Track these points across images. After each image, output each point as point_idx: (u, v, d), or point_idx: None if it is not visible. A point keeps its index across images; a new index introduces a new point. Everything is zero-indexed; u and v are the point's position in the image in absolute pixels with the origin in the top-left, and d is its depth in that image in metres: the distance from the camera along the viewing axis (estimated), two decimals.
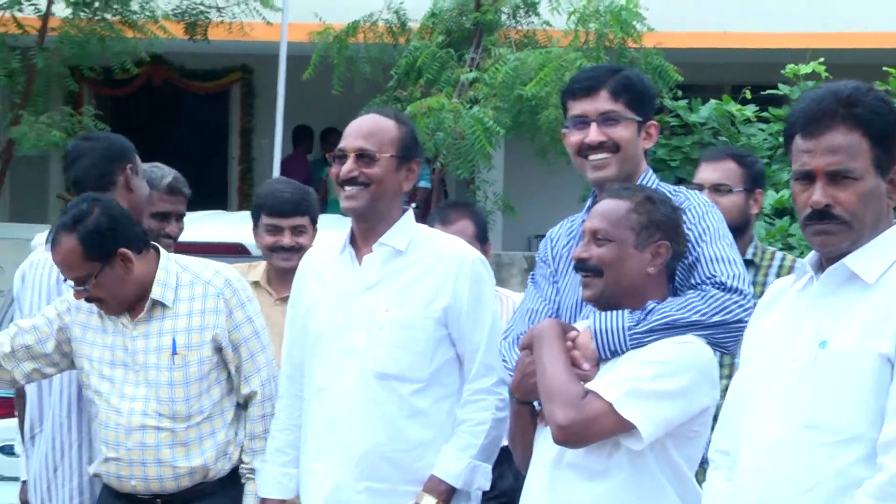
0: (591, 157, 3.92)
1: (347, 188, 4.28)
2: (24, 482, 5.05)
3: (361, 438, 4.25)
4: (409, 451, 4.26)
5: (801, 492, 3.02)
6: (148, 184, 5.32)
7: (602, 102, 3.92)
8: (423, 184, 12.32)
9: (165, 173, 5.62)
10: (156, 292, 4.54)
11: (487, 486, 4.40)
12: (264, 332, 4.72)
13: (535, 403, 3.76)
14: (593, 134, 3.89)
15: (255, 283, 5.36)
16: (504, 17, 12.10)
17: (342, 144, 4.30)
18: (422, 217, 6.03)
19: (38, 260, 5.00)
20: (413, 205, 9.56)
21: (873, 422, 2.97)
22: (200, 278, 4.64)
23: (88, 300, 4.49)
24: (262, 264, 5.56)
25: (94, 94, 15.19)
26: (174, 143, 16.55)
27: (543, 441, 3.68)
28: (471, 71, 11.55)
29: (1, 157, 12.62)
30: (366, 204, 4.26)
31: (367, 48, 12.29)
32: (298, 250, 5.28)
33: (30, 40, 12.31)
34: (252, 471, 4.61)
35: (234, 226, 6.98)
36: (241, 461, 4.68)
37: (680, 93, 10.43)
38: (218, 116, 17.08)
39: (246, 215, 5.81)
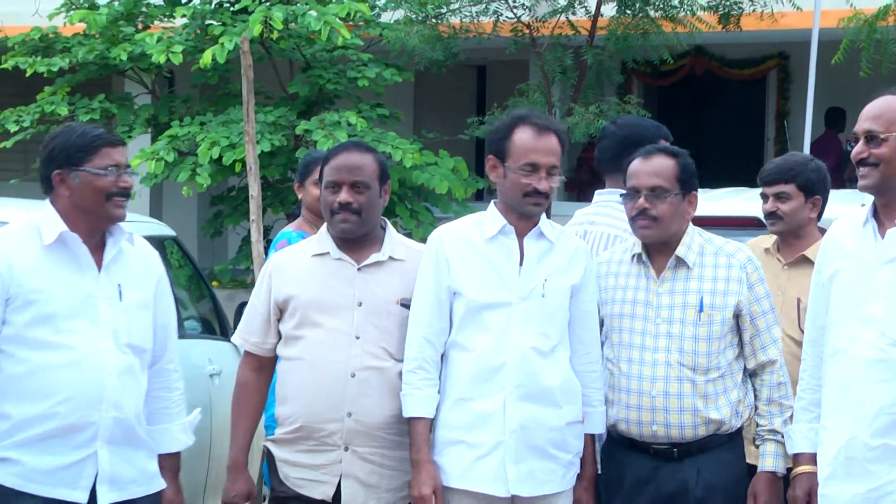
0: None
1: (860, 168, 4.18)
2: None
3: (876, 396, 4.14)
4: None
5: None
6: None
7: None
8: None
9: None
10: (680, 251, 4.61)
11: None
12: (774, 308, 4.73)
13: None
14: None
15: (766, 250, 5.43)
16: None
17: (856, 127, 4.23)
18: None
19: None
20: None
21: None
22: (724, 250, 4.68)
23: None
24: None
25: (643, 84, 15.64)
26: (715, 128, 16.89)
27: None
28: None
29: None
30: (877, 182, 4.18)
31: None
32: (779, 217, 5.43)
33: (581, 39, 12.70)
34: (770, 432, 4.60)
35: (750, 201, 6.81)
36: (755, 423, 4.68)
37: None
38: (755, 101, 17.07)
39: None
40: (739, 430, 4.66)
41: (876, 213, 4.28)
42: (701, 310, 4.59)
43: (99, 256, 4.35)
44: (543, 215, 4.70)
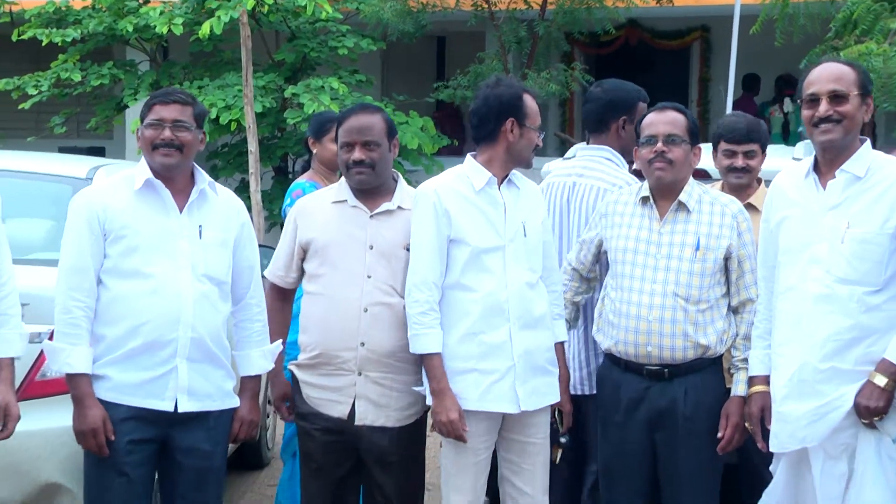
0: None
1: (822, 125, 4.19)
2: None
3: (823, 326, 4.17)
4: (864, 339, 4.13)
5: None
6: None
7: None
8: None
9: None
10: (683, 196, 4.61)
11: None
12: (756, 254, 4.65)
13: None
14: None
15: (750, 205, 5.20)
16: None
17: (813, 90, 4.23)
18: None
19: (554, 183, 5.21)
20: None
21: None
22: (718, 201, 4.68)
23: None
24: (762, 189, 5.30)
25: (583, 54, 15.42)
26: (646, 92, 16.99)
27: None
28: None
29: None
30: (840, 136, 4.20)
31: (807, 6, 11.91)
32: (748, 171, 5.34)
33: (533, 14, 12.79)
34: (743, 361, 4.58)
35: None
36: (730, 354, 4.65)
37: None
38: (681, 68, 16.85)
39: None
40: (720, 358, 4.67)
41: (816, 167, 4.31)
42: (697, 249, 4.58)
43: (183, 200, 4.38)
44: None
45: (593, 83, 5.41)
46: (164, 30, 11.88)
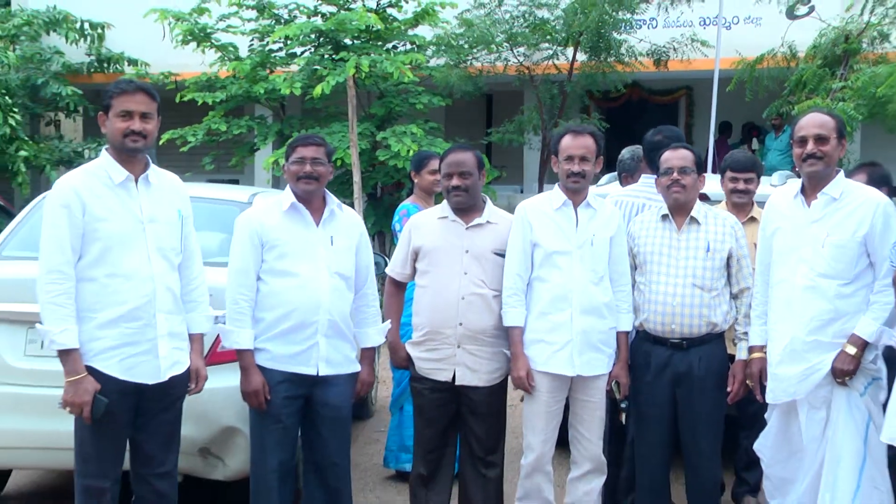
0: None
1: (809, 160, 4.21)
2: None
3: (808, 309, 4.19)
4: (839, 319, 4.14)
5: None
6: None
7: None
8: None
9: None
10: (694, 213, 4.57)
11: (893, 343, 4.14)
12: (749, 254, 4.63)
13: None
14: None
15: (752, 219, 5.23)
16: (865, 45, 11.71)
17: (803, 133, 4.23)
18: None
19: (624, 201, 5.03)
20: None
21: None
22: (719, 216, 4.63)
23: None
24: (756, 207, 5.27)
25: (598, 107, 15.29)
26: (643, 136, 16.84)
27: None
28: (840, 82, 11.43)
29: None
30: (822, 168, 4.21)
31: (769, 70, 12.01)
32: (749, 194, 5.30)
33: (562, 77, 12.74)
34: (744, 334, 4.54)
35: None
36: (734, 329, 4.60)
37: None
38: (670, 118, 16.40)
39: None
40: (723, 333, 4.63)
41: (803, 190, 4.32)
42: (708, 250, 4.54)
43: (319, 217, 4.39)
44: (592, 190, 4.69)
45: (650, 131, 5.26)
46: (287, 91, 11.93)
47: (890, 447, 4.06)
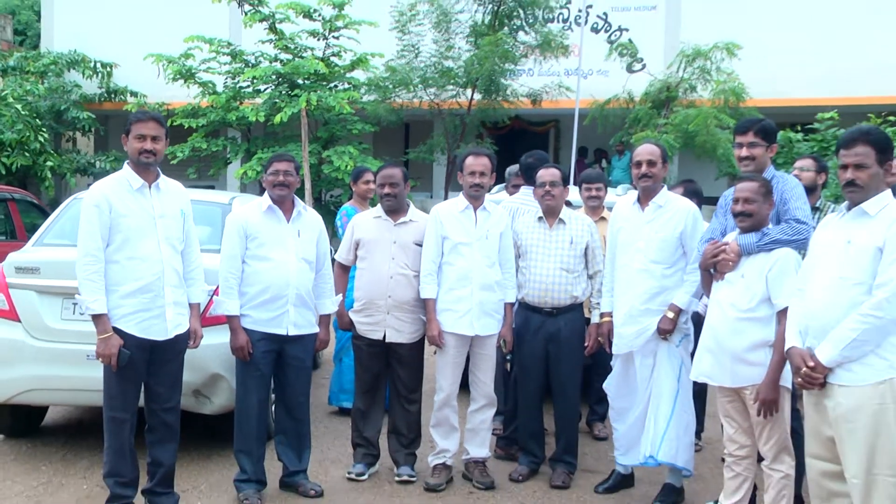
0: (744, 164, 3.75)
1: (643, 179, 4.12)
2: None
3: (641, 286, 4.14)
4: (662, 293, 4.10)
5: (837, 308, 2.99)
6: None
7: (750, 137, 3.75)
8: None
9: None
10: (562, 215, 4.43)
11: (699, 309, 4.08)
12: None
13: (711, 270, 3.65)
14: (744, 152, 3.75)
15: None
16: (680, 93, 11.99)
17: (638, 158, 4.12)
18: None
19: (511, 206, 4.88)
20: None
21: (872, 275, 2.93)
22: (580, 218, 4.53)
23: None
24: (606, 210, 5.15)
25: (489, 134, 14.89)
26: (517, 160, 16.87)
27: (717, 290, 3.64)
28: (664, 119, 11.72)
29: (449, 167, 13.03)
30: (651, 185, 4.15)
31: (614, 111, 12.34)
32: (599, 198, 5.19)
33: (463, 111, 12.68)
34: (598, 304, 4.41)
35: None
36: (590, 301, 4.54)
37: None
38: (542, 144, 16.32)
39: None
40: (581, 304, 4.57)
41: (639, 199, 4.25)
42: (571, 243, 4.44)
43: (289, 216, 4.29)
44: (487, 197, 4.60)
45: (525, 154, 5.16)
46: (254, 118, 11.80)
47: (694, 383, 4.03)
